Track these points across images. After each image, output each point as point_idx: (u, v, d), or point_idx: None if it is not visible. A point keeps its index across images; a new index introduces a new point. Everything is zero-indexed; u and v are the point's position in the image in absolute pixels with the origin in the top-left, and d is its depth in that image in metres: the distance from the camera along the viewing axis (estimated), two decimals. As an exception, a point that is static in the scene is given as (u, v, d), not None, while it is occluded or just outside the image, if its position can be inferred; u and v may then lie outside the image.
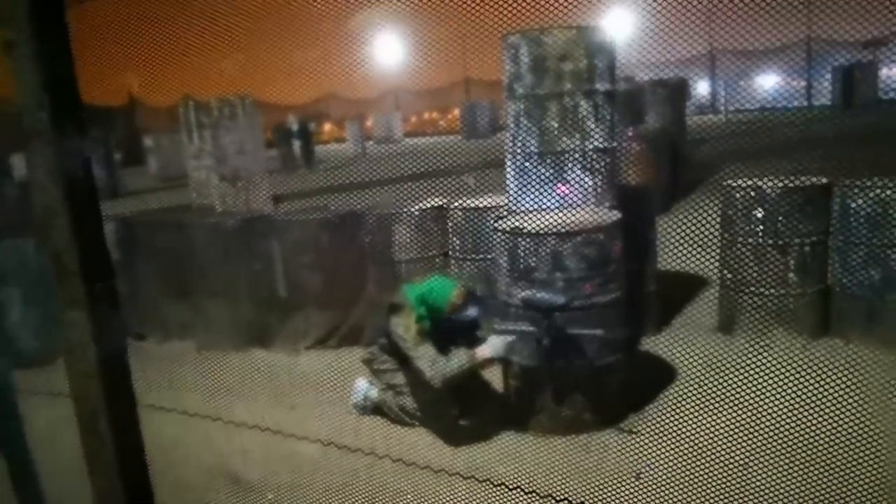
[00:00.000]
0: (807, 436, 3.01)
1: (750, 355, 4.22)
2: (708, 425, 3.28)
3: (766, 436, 3.20)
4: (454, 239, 5.04)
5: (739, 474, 2.94)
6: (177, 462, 3.53)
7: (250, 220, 5.55)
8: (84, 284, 1.31)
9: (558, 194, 4.14)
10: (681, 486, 2.85)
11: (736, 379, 3.80)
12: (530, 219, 3.77)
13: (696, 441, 3.19)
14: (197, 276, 5.40)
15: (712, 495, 2.78)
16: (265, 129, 14.26)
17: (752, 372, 3.88)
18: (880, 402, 3.33)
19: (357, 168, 19.13)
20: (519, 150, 4.21)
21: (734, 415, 3.35)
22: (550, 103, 4.07)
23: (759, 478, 2.91)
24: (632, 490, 2.97)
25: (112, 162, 19.06)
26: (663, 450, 3.22)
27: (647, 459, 3.19)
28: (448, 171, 8.16)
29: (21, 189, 8.94)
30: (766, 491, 2.81)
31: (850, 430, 3.03)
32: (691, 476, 2.87)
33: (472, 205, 4.96)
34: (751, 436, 3.22)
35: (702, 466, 2.92)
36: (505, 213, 4.41)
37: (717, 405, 3.49)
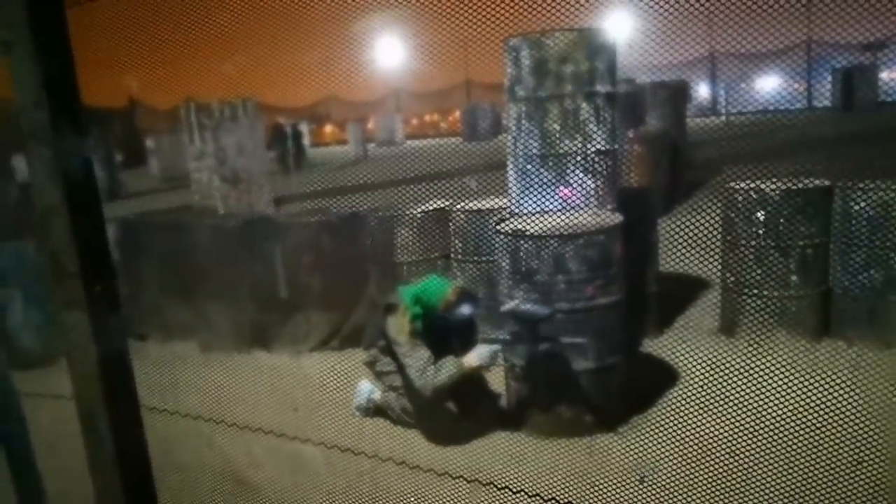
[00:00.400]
0: (810, 438, 3.00)
1: (752, 357, 4.21)
2: (710, 427, 3.27)
3: (768, 438, 3.19)
4: (456, 241, 5.04)
5: (742, 476, 2.93)
6: (179, 464, 3.52)
7: (252, 222, 5.55)
8: (84, 285, 1.31)
9: (560, 197, 4.14)
10: (683, 488, 2.85)
11: (738, 381, 3.79)
12: (532, 221, 3.77)
13: (699, 443, 3.18)
14: (199, 277, 5.40)
15: (715, 498, 2.77)
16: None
17: (754, 374, 3.87)
18: (883, 404, 3.32)
19: (355, 170, 19.13)
20: (520, 153, 4.21)
21: (736, 417, 3.34)
22: (552, 106, 4.07)
23: (762, 480, 2.90)
24: (635, 493, 2.96)
25: (113, 163, 19.07)
26: (666, 452, 3.21)
27: (649, 462, 3.18)
28: (449, 173, 8.16)
29: (22, 190, 8.94)
30: (770, 493, 2.80)
31: (853, 432, 3.02)
32: (694, 478, 2.86)
33: (474, 207, 4.96)
34: (753, 438, 3.21)
35: (704, 469, 2.91)
36: (506, 215, 4.40)
37: (719, 407, 3.48)
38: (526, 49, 4.05)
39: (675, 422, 3.54)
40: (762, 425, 3.28)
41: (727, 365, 4.13)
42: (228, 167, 10.96)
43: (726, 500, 2.77)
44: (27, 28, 1.22)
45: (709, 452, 3.07)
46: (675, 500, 2.82)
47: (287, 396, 4.35)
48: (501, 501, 2.94)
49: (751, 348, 4.38)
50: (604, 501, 2.91)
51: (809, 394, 2.88)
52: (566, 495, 2.93)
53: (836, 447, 2.95)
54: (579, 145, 4.09)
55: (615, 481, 3.05)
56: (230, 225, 5.48)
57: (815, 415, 2.87)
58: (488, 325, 4.07)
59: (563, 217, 3.80)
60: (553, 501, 2.68)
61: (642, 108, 10.22)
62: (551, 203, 4.12)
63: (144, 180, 21.64)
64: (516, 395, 3.75)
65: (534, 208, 4.13)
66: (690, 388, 3.89)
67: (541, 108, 4.09)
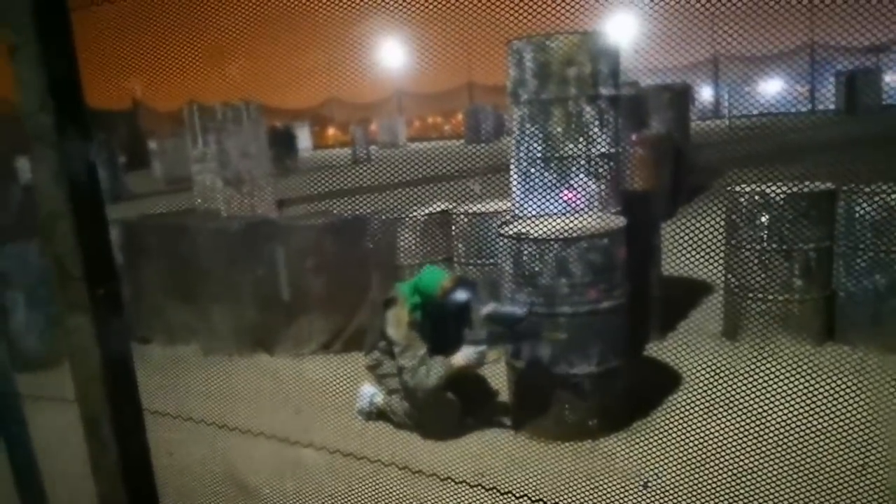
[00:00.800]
0: (814, 442, 2.99)
1: (755, 361, 4.20)
2: (714, 431, 3.26)
3: (773, 442, 3.18)
4: (458, 244, 5.03)
5: (746, 481, 2.92)
6: (182, 467, 3.52)
7: (254, 224, 5.55)
8: (88, 288, 1.31)
9: (563, 200, 4.13)
10: (687, 493, 2.83)
11: (741, 385, 3.78)
12: (535, 224, 3.77)
13: (702, 447, 3.17)
14: (201, 280, 5.40)
15: (719, 503, 2.76)
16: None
17: (757, 378, 3.86)
18: (888, 408, 3.30)
19: (355, 172, 19.13)
20: (523, 156, 4.21)
21: (740, 421, 3.33)
22: (555, 108, 4.06)
23: (766, 484, 2.89)
24: (639, 497, 2.95)
25: (116, 165, 19.12)
26: (669, 456, 3.20)
27: (653, 466, 3.17)
28: (452, 175, 8.15)
29: (25, 193, 8.95)
30: (774, 498, 2.79)
31: (857, 437, 3.01)
32: (698, 482, 2.85)
33: (477, 210, 4.95)
34: (758, 442, 3.20)
35: (708, 473, 2.90)
36: (509, 218, 4.40)
37: (722, 411, 3.47)
38: (529, 51, 4.04)
39: (679, 426, 3.53)
40: (766, 429, 3.27)
41: (730, 369, 4.12)
42: (231, 170, 10.97)
43: (730, 505, 2.76)
44: (32, 31, 1.22)
45: (712, 457, 3.06)
46: (679, 503, 2.81)
47: (289, 400, 4.34)
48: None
49: (754, 352, 4.37)
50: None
51: (813, 398, 2.87)
52: (569, 500, 2.92)
53: (840, 452, 2.93)
54: (582, 148, 4.09)
55: (619, 486, 3.04)
56: (233, 228, 5.48)
57: (819, 419, 2.86)
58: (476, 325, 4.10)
59: (566, 220, 3.80)
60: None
61: (645, 111, 10.21)
62: (554, 206, 4.12)
63: (147, 182, 21.66)
64: (518, 399, 3.74)
65: (537, 211, 4.13)
66: (694, 391, 3.88)
67: (544, 111, 4.09)
